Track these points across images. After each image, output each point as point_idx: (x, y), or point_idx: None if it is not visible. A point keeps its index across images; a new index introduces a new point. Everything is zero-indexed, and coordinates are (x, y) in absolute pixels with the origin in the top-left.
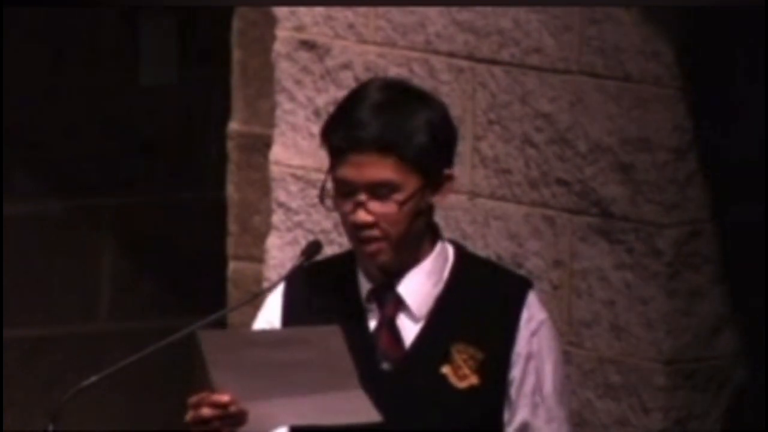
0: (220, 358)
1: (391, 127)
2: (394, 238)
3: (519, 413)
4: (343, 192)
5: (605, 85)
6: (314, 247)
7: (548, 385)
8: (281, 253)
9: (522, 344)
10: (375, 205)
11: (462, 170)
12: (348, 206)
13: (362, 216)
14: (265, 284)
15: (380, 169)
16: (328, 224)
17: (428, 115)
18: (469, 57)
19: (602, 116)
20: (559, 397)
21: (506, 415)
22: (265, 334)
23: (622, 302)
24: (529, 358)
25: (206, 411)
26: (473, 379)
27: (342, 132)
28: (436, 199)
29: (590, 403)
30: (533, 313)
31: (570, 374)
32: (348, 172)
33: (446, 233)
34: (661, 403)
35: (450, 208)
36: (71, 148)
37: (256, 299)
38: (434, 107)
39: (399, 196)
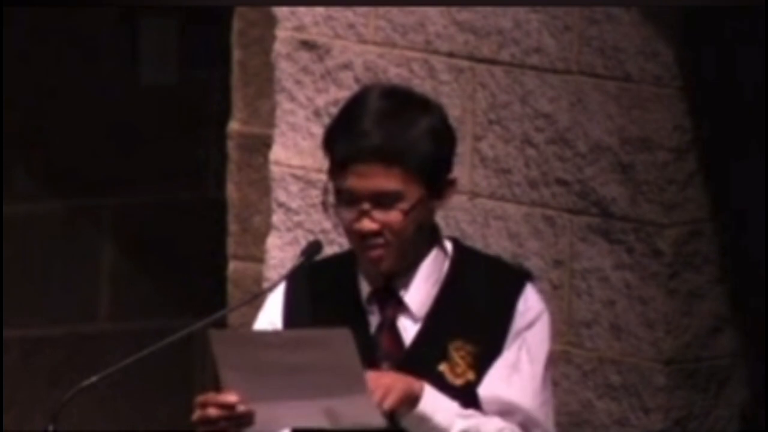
0: (229, 357)
1: (394, 137)
2: (398, 245)
3: (491, 388)
4: (346, 201)
5: (605, 85)
6: (314, 247)
7: (539, 368)
8: (281, 253)
9: (515, 334)
10: (379, 214)
11: (462, 170)
12: (351, 215)
13: (367, 225)
14: (265, 284)
15: (385, 180)
16: (328, 224)
17: (430, 122)
18: (469, 57)
19: (602, 116)
20: (547, 384)
21: (478, 391)
22: (276, 335)
23: (622, 302)
24: (516, 338)
25: (213, 411)
26: (469, 375)
27: (345, 142)
28: (439, 204)
29: (590, 403)
30: (530, 305)
31: (570, 374)
32: (352, 182)
33: (446, 233)
34: (661, 403)
35: (450, 208)
36: (71, 148)
37: (256, 299)
38: (435, 113)
39: (403, 205)
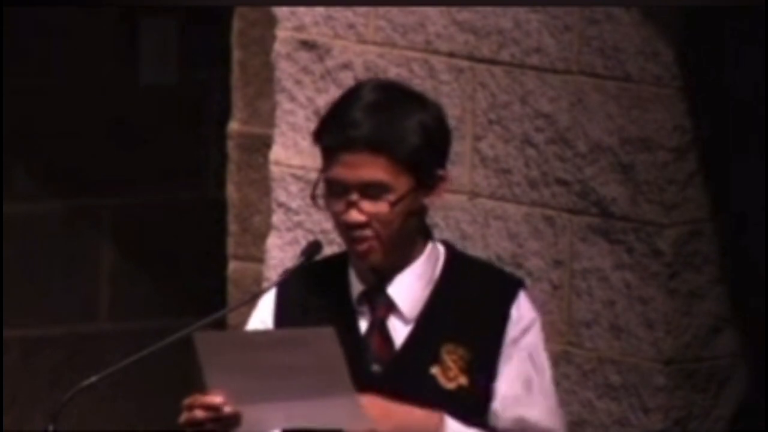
0: (214, 359)
1: (383, 127)
2: (386, 238)
3: (512, 409)
4: (335, 192)
5: (605, 85)
6: (314, 247)
7: (546, 378)
8: (281, 253)
9: (510, 342)
10: (367, 205)
11: (462, 170)
12: (340, 206)
13: (354, 215)
14: (265, 284)
15: (372, 169)
16: (328, 224)
17: (421, 117)
18: (469, 57)
19: (602, 116)
20: (554, 391)
21: (496, 409)
22: (260, 335)
23: (622, 302)
24: (517, 353)
25: (199, 413)
26: (462, 380)
27: (334, 132)
28: (430, 200)
29: (590, 403)
30: (523, 312)
31: (570, 374)
32: (340, 171)
33: (446, 233)
34: (661, 403)
35: (450, 208)
36: (71, 148)
37: (256, 299)
38: (428, 108)
39: (391, 197)
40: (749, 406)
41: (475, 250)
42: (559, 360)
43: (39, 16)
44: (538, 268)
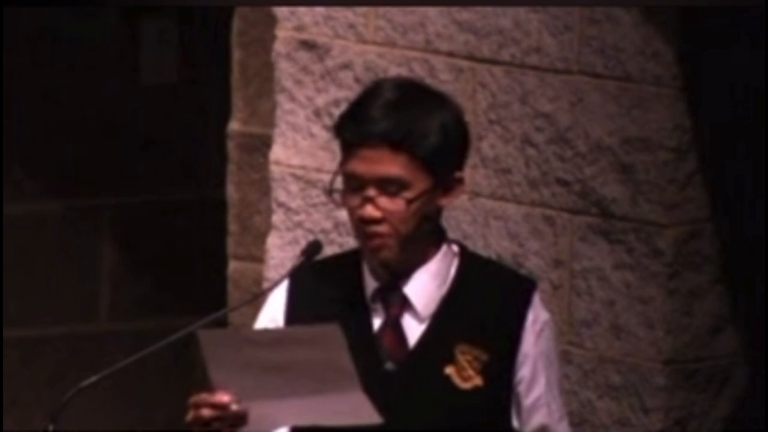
0: (220, 357)
1: (403, 125)
2: (400, 236)
3: (536, 415)
4: (352, 186)
5: (605, 85)
6: (314, 247)
7: (556, 385)
8: (281, 253)
9: (528, 345)
10: (383, 201)
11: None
12: (356, 201)
13: (370, 211)
14: (265, 284)
15: (391, 165)
16: (328, 224)
17: (442, 117)
18: (469, 57)
19: (602, 116)
20: (563, 395)
21: (518, 418)
22: (265, 333)
23: (622, 302)
24: (537, 358)
25: (206, 412)
26: (477, 380)
27: (353, 126)
28: (445, 202)
29: (590, 403)
30: (538, 314)
31: (570, 374)
32: (358, 166)
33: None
34: (661, 403)
35: (450, 208)
36: (71, 148)
37: (256, 299)
38: (449, 109)
39: (408, 194)
40: (749, 406)
41: (475, 250)
42: (559, 360)
43: (39, 17)
44: (538, 268)
